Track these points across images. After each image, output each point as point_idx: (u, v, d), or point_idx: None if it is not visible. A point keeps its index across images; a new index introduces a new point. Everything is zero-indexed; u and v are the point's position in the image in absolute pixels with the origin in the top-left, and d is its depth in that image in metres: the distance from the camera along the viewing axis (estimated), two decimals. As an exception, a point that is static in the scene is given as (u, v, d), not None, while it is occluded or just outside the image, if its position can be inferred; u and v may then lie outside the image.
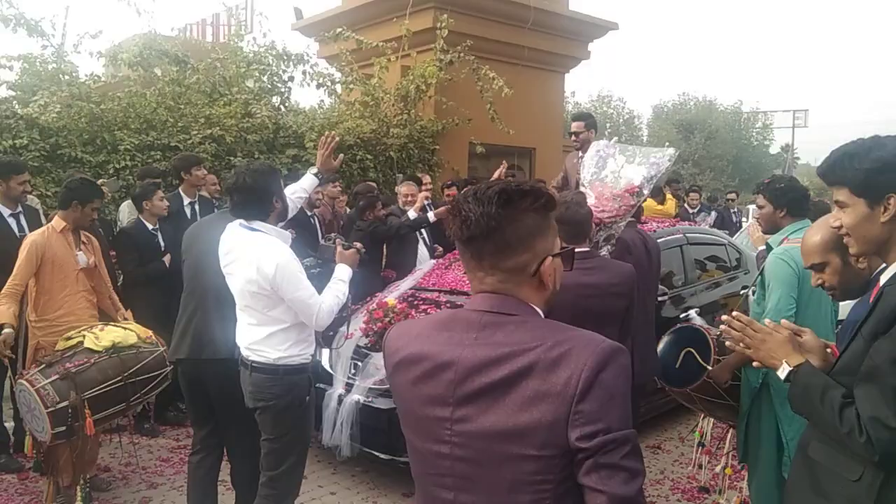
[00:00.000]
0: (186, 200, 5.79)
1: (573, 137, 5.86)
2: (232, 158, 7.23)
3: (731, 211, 12.06)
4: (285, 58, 8.77)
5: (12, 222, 4.63)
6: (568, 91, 29.20)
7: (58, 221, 4.04)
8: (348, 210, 6.89)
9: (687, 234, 5.84)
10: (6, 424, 4.68)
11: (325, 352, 4.59)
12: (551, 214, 1.37)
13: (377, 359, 4.24)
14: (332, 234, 4.13)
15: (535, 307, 1.36)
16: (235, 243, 2.98)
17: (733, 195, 14.01)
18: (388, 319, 4.53)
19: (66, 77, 7.28)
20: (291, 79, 8.87)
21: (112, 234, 5.50)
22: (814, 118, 45.78)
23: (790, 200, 3.21)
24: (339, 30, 8.61)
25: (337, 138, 3.82)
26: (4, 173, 4.57)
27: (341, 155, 4.19)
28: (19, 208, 4.70)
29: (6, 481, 4.39)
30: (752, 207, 19.58)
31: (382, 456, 4.13)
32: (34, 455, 4.02)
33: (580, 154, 5.63)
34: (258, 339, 2.98)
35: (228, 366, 3.11)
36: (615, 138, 5.50)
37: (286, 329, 2.97)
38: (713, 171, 29.56)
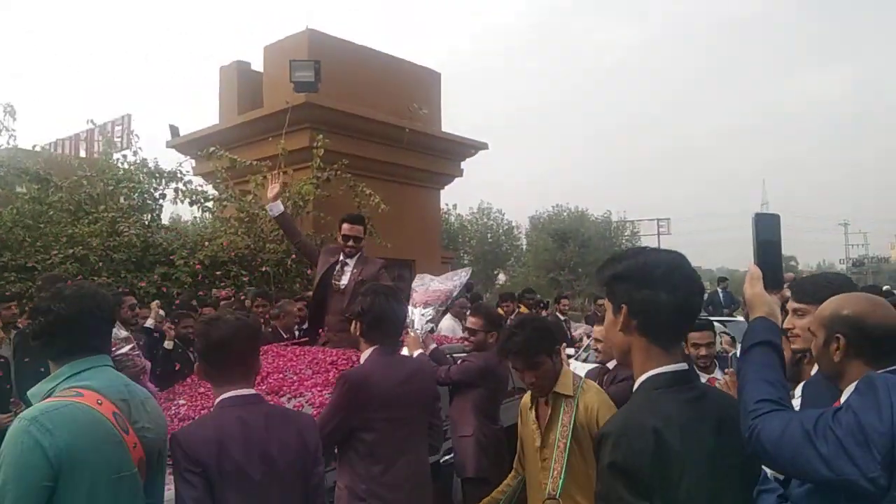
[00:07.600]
0: None
1: (348, 242, 4.82)
2: (97, 278, 6.92)
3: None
4: (157, 175, 8.68)
5: None
6: (450, 204, 30.35)
7: None
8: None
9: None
10: None
11: None
12: None
13: None
14: None
15: None
16: None
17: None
18: None
19: (-89, 196, 6.85)
20: (163, 196, 8.75)
21: None
22: (675, 225, 49.59)
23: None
24: (212, 148, 8.67)
25: None
26: None
27: None
28: None
29: None
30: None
31: None
32: None
33: (348, 262, 4.84)
34: None
35: None
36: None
37: None
38: (588, 276, 31.11)
